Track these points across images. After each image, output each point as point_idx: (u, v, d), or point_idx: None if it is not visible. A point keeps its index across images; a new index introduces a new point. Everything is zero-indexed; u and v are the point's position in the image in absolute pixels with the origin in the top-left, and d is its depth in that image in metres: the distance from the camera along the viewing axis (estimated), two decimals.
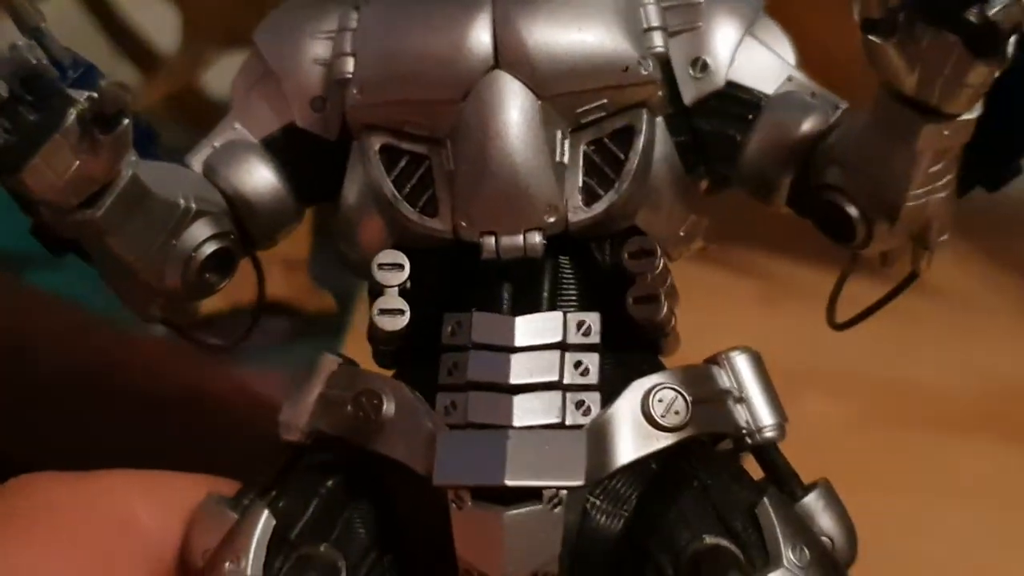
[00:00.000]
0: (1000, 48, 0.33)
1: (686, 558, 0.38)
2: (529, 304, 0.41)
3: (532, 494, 0.37)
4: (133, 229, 0.39)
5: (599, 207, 0.40)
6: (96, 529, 0.43)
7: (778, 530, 0.38)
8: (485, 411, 0.39)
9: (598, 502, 0.40)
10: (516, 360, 0.39)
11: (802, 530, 0.39)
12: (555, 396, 0.39)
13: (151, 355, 0.69)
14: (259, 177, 0.43)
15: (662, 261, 0.41)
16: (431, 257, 0.41)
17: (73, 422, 0.66)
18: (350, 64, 0.41)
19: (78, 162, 0.36)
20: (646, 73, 0.40)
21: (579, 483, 0.37)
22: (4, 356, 0.67)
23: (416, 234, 0.41)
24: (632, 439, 0.38)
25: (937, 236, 0.40)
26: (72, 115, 0.36)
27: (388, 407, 0.39)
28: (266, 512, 0.40)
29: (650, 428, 0.38)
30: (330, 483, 0.41)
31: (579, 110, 0.40)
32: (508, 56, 0.40)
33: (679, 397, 0.39)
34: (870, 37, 0.35)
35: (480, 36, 0.40)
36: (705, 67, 0.42)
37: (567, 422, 0.38)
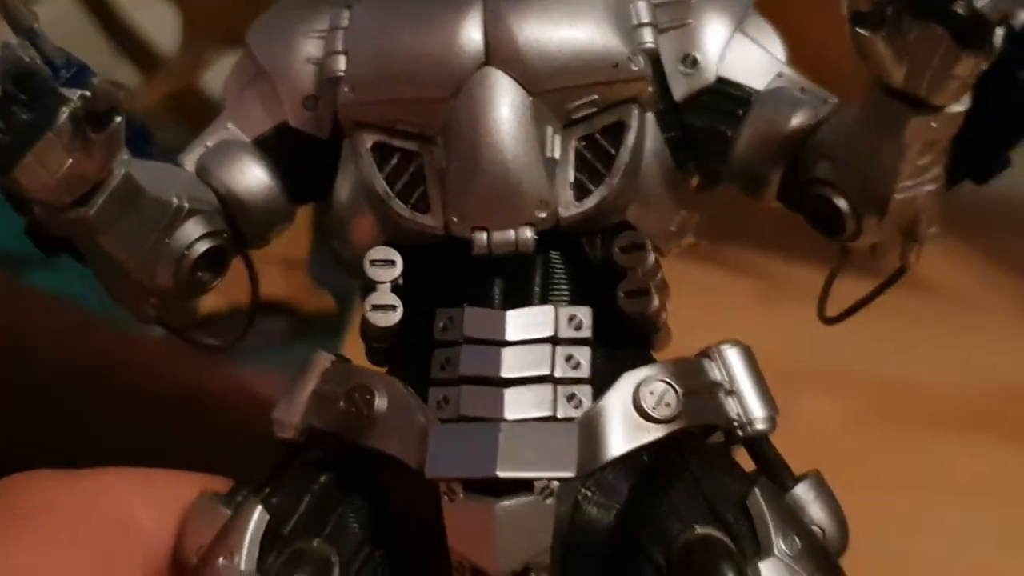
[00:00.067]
0: (987, 40, 0.33)
1: (678, 549, 0.38)
2: (520, 299, 0.41)
3: (524, 486, 0.37)
4: (126, 228, 0.39)
5: (590, 202, 0.41)
6: (93, 528, 0.43)
7: (769, 520, 0.38)
8: (477, 405, 0.39)
9: (590, 494, 0.40)
10: (507, 354, 0.39)
11: (793, 520, 0.39)
12: (546, 389, 0.39)
13: (150, 355, 0.69)
14: (252, 176, 0.43)
15: (652, 255, 0.41)
16: (423, 253, 0.41)
17: (73, 422, 0.66)
18: (342, 62, 0.42)
19: (71, 160, 0.36)
20: (636, 69, 0.41)
21: (571, 474, 0.37)
22: (3, 356, 0.67)
23: (408, 230, 0.41)
24: (623, 431, 0.38)
25: (926, 229, 0.40)
26: (65, 114, 0.36)
27: (380, 402, 0.40)
28: (259, 508, 0.40)
29: (641, 420, 0.38)
30: (323, 479, 0.41)
31: (570, 106, 0.41)
32: (499, 53, 0.40)
33: (670, 389, 0.39)
34: (858, 30, 0.35)
35: (471, 33, 0.40)
36: (695, 63, 0.42)
37: (559, 415, 0.39)
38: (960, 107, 0.36)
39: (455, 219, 0.40)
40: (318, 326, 0.86)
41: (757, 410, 0.41)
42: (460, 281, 0.41)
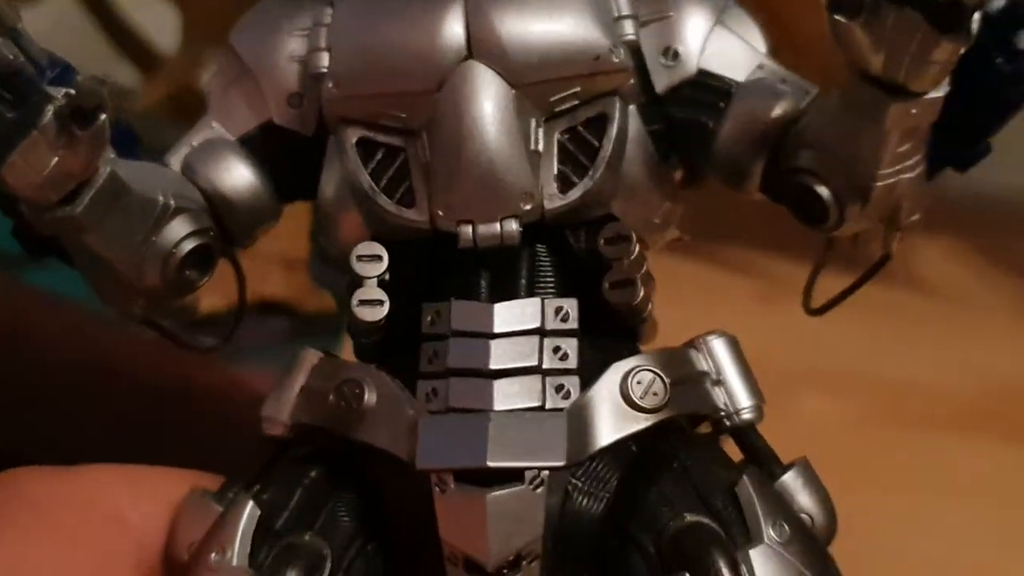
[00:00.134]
0: (964, 24, 0.34)
1: (667, 537, 0.38)
2: (507, 292, 0.41)
3: (514, 476, 0.38)
4: (112, 226, 0.39)
5: (574, 194, 0.41)
6: (85, 524, 0.43)
7: (758, 507, 0.38)
8: (466, 396, 0.39)
9: (579, 484, 0.40)
10: (496, 346, 0.39)
11: (782, 508, 0.39)
12: (535, 380, 0.39)
13: (149, 354, 0.69)
14: (237, 175, 0.43)
15: (637, 247, 0.41)
16: (409, 248, 0.42)
17: (71, 420, 0.66)
18: (325, 59, 0.42)
19: (56, 158, 0.36)
20: (617, 61, 0.41)
21: (560, 464, 0.37)
22: (2, 355, 0.67)
23: (394, 225, 0.41)
24: (612, 420, 0.38)
25: (907, 217, 0.40)
26: (50, 111, 0.36)
27: (370, 396, 0.40)
28: (251, 503, 0.40)
29: (629, 409, 0.39)
30: (313, 474, 0.41)
31: (552, 99, 0.41)
32: (481, 46, 0.40)
33: (657, 379, 0.39)
34: (836, 17, 0.35)
35: (453, 27, 0.40)
36: (676, 55, 0.42)
37: (547, 406, 0.39)
38: (939, 93, 0.36)
39: (440, 213, 0.41)
40: (318, 326, 0.86)
41: (744, 400, 0.42)
42: (446, 275, 0.42)
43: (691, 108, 0.42)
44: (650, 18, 0.42)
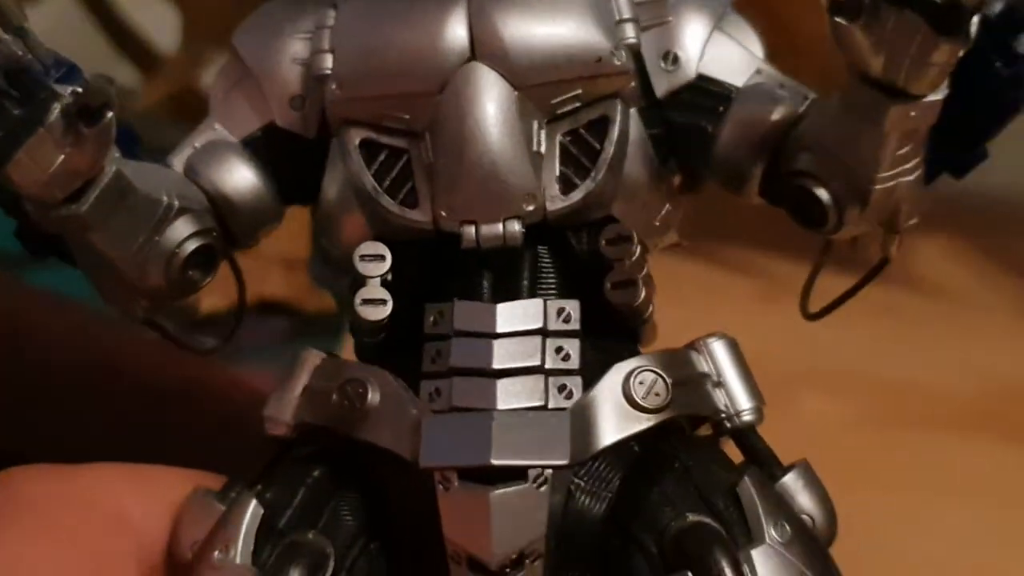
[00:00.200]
0: (964, 26, 0.34)
1: (669, 536, 0.38)
2: (509, 293, 0.41)
3: (518, 474, 0.38)
4: (117, 225, 0.40)
5: (576, 196, 0.41)
6: (86, 523, 0.43)
7: (759, 508, 0.38)
8: (469, 395, 0.39)
9: (582, 483, 0.40)
10: (499, 345, 0.40)
11: (783, 508, 0.39)
12: (538, 380, 0.39)
13: (151, 353, 0.69)
14: (240, 177, 0.44)
15: (639, 248, 0.41)
16: (411, 249, 0.42)
17: (74, 420, 0.66)
18: (328, 60, 0.42)
19: (63, 156, 0.37)
20: (619, 63, 0.41)
21: (564, 462, 0.38)
22: (4, 355, 0.67)
23: (397, 226, 0.42)
24: (614, 420, 0.39)
25: (906, 220, 0.40)
26: (56, 109, 0.36)
27: (373, 395, 0.40)
28: (254, 502, 0.40)
29: (631, 410, 0.39)
30: (316, 473, 0.41)
31: (554, 101, 0.41)
32: (484, 48, 0.41)
33: (659, 379, 0.39)
34: (837, 19, 0.35)
35: (456, 29, 0.41)
36: (676, 60, 0.43)
37: (550, 405, 0.39)
38: (938, 96, 0.37)
39: (443, 213, 0.41)
40: (318, 326, 0.87)
41: (744, 401, 0.42)
42: (449, 275, 0.42)
43: (690, 112, 0.43)
44: (650, 23, 0.43)
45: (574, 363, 0.40)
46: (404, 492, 0.40)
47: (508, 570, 0.38)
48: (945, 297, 0.92)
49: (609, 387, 0.39)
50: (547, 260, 0.43)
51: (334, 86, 0.42)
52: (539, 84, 0.41)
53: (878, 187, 0.38)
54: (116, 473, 0.44)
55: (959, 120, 0.38)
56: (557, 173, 0.41)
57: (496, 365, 0.39)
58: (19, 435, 0.60)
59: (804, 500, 0.41)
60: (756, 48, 0.43)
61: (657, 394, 0.39)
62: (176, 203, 0.41)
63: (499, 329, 0.40)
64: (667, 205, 0.44)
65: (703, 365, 0.42)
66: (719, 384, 0.42)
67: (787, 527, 0.38)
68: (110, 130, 0.37)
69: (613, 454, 0.40)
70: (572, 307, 0.40)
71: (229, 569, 0.39)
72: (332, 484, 0.41)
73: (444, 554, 0.39)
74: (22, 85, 0.36)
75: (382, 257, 0.41)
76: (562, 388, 0.39)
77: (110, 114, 0.37)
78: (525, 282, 0.42)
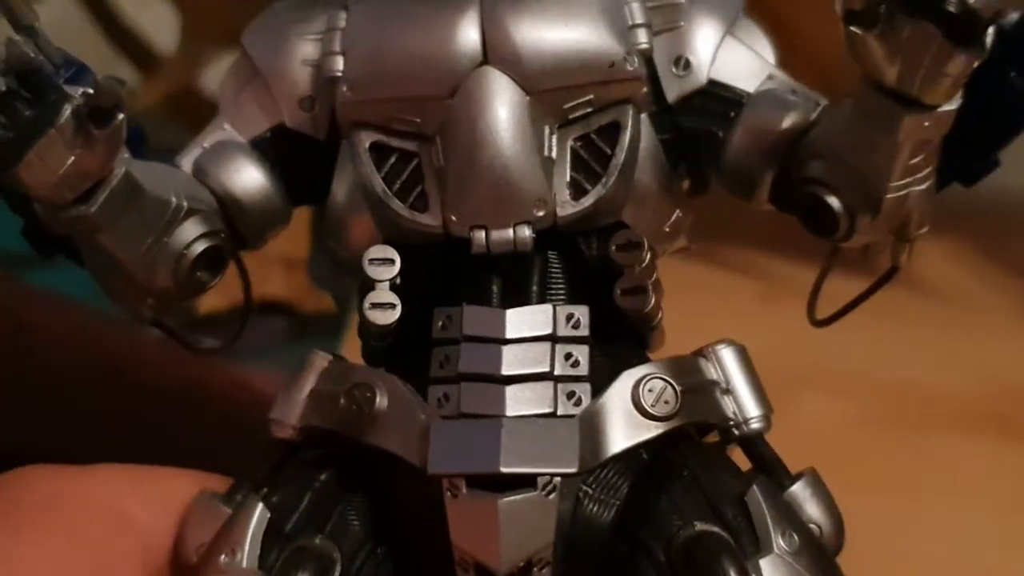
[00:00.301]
0: (979, 37, 0.34)
1: (678, 545, 0.38)
2: (519, 298, 0.41)
3: (526, 482, 0.38)
4: (126, 226, 0.40)
5: (587, 201, 0.41)
6: (91, 523, 0.43)
7: (767, 517, 0.38)
8: (478, 401, 0.39)
9: (590, 491, 0.40)
10: (508, 351, 0.39)
11: (791, 517, 0.39)
12: (547, 387, 0.39)
13: (154, 353, 0.69)
14: (248, 177, 0.44)
15: (649, 254, 0.41)
16: (420, 253, 0.42)
17: (77, 420, 0.66)
18: (339, 62, 0.42)
19: (73, 157, 0.36)
20: (631, 69, 0.41)
21: (573, 470, 0.37)
22: (6, 354, 0.67)
23: (406, 230, 0.41)
24: (623, 428, 0.38)
25: (917, 229, 0.40)
26: (67, 110, 0.36)
27: (381, 400, 0.40)
28: (260, 506, 0.40)
29: (641, 417, 0.39)
30: (323, 477, 0.41)
31: (566, 106, 0.41)
32: (496, 52, 0.40)
33: (668, 387, 0.39)
34: (852, 28, 0.35)
35: (469, 33, 0.41)
36: (688, 65, 0.42)
37: (559, 412, 0.39)
38: (952, 106, 0.37)
39: (454, 218, 0.41)
40: (318, 326, 0.87)
41: (753, 409, 0.42)
42: (458, 280, 0.42)
43: (702, 118, 0.42)
44: (662, 28, 0.42)
45: (583, 369, 0.40)
46: (411, 497, 0.40)
47: None
48: (946, 298, 0.92)
49: (618, 394, 0.39)
50: (557, 266, 0.42)
51: (345, 88, 0.42)
52: (551, 89, 0.41)
53: (890, 196, 0.38)
54: (120, 474, 0.44)
55: (972, 130, 0.38)
56: (568, 178, 0.41)
57: (505, 371, 0.39)
58: (22, 434, 0.60)
59: (812, 509, 0.41)
60: (768, 54, 0.43)
61: (666, 402, 0.39)
62: (185, 204, 0.41)
63: (508, 335, 0.40)
64: (677, 211, 0.44)
65: (712, 372, 0.42)
66: (728, 391, 0.42)
67: (795, 537, 0.38)
68: (120, 132, 0.37)
69: (622, 461, 0.40)
70: (581, 313, 0.40)
71: (235, 573, 0.39)
72: (339, 488, 0.41)
73: (451, 560, 0.39)
74: (33, 86, 0.36)
75: (391, 261, 0.41)
76: (571, 395, 0.39)
77: (121, 116, 0.37)
78: (535, 287, 0.42)
